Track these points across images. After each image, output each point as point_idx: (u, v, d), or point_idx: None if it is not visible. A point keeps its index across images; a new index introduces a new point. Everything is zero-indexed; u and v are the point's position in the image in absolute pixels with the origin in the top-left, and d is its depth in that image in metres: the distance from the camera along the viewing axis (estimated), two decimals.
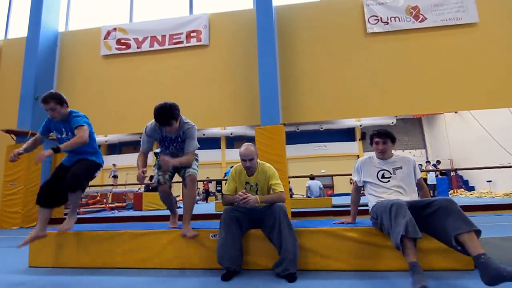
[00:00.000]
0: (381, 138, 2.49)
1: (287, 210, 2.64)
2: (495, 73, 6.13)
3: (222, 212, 2.41)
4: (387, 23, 6.60)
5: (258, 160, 2.59)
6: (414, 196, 2.36)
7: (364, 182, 2.56)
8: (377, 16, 6.65)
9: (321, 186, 10.84)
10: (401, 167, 2.45)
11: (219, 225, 2.37)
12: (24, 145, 2.69)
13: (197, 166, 2.83)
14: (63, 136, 2.72)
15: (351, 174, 2.78)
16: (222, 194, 2.85)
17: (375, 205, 2.31)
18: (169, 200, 2.89)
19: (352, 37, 6.73)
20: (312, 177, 10.86)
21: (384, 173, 2.46)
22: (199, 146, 2.73)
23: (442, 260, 2.21)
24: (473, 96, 6.17)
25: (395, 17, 6.60)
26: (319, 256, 2.37)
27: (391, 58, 6.52)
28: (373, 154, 2.62)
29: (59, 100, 2.61)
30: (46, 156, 2.35)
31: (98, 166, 2.81)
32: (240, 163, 2.60)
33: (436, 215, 1.96)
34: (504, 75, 6.09)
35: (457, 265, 2.20)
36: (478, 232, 1.82)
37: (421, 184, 2.48)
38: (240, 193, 2.34)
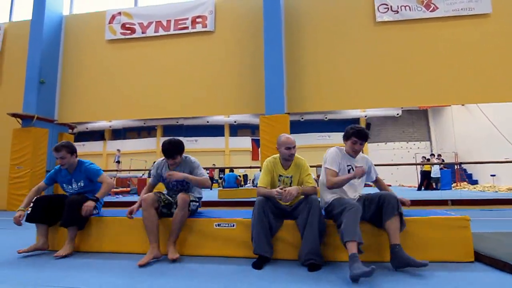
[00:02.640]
0: (361, 140, 2.45)
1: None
2: (506, 66, 5.99)
3: (255, 200, 2.40)
4: (397, 11, 6.44)
5: None
6: (361, 191, 2.55)
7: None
8: (387, 5, 6.49)
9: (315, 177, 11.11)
10: (361, 167, 2.42)
11: (252, 216, 2.36)
12: (26, 201, 2.76)
13: (197, 198, 2.79)
14: (73, 186, 2.85)
15: None
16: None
17: (334, 201, 2.36)
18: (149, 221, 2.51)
19: (360, 26, 6.59)
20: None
21: (350, 169, 2.49)
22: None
23: (442, 252, 2.24)
24: (483, 89, 6.06)
25: (405, 6, 6.43)
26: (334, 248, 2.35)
27: (399, 48, 6.39)
28: (342, 147, 2.57)
29: (70, 149, 2.78)
30: (92, 207, 2.64)
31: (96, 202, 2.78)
32: (273, 156, 2.62)
33: (376, 202, 2.27)
34: None
35: (457, 257, 2.23)
36: (402, 225, 2.17)
37: (379, 181, 2.66)
38: (278, 189, 2.31)
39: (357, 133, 2.45)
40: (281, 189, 2.31)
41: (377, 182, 2.67)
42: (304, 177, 2.53)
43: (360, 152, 2.56)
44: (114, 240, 2.71)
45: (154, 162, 2.86)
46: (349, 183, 2.43)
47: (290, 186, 2.51)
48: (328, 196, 2.46)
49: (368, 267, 1.77)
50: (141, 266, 2.24)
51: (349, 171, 2.48)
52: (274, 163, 2.58)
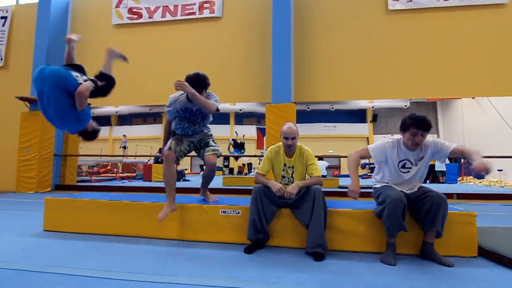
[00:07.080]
0: (421, 130, 2.12)
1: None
2: None
3: (253, 188, 2.43)
4: (411, 0, 6.25)
5: (298, 143, 2.57)
6: (419, 183, 2.33)
7: (379, 162, 2.36)
8: None
9: (327, 165, 11.10)
10: (423, 157, 2.26)
11: (250, 202, 2.39)
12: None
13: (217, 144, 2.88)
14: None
15: None
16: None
17: (380, 188, 2.30)
18: (170, 177, 2.63)
19: (372, 14, 6.42)
20: (320, 158, 11.03)
21: (406, 163, 2.26)
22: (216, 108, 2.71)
23: (446, 246, 2.23)
24: (495, 82, 5.90)
25: None
26: (343, 237, 2.39)
27: (411, 38, 6.23)
28: (399, 137, 2.29)
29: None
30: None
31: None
32: (277, 144, 2.62)
33: (426, 209, 2.12)
34: None
35: (460, 252, 2.23)
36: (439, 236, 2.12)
37: (457, 152, 2.20)
38: (279, 188, 2.36)
39: (416, 123, 2.11)
40: (281, 189, 2.36)
41: (456, 153, 2.22)
42: (308, 165, 2.51)
43: (425, 140, 2.20)
44: (119, 224, 2.76)
45: (170, 96, 2.84)
46: (401, 178, 2.26)
47: (292, 177, 2.54)
48: (378, 178, 2.40)
49: (393, 262, 2.04)
50: (161, 220, 2.46)
51: (404, 165, 2.25)
52: (277, 151, 2.59)
